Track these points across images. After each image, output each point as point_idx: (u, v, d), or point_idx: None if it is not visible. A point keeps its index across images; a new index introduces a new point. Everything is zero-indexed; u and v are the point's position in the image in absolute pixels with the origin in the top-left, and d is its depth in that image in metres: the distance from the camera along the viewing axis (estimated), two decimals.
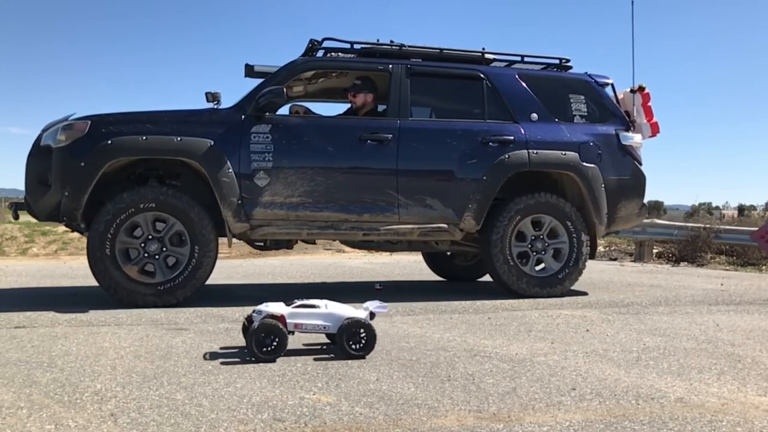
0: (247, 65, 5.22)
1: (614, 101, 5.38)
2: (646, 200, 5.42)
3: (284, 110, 5.00)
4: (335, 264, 8.80)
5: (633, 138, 5.25)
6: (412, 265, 8.68)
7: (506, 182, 4.87)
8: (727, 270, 8.89)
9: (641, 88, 5.39)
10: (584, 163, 4.99)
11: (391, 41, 5.07)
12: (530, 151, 4.89)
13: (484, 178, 4.79)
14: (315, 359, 2.84)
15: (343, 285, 6.11)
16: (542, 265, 5.07)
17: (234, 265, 8.63)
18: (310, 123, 4.79)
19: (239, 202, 4.41)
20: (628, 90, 5.45)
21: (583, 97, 5.24)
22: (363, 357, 2.84)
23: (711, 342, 3.39)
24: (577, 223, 5.00)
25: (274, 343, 2.76)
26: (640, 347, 3.22)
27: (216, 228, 4.44)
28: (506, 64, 5.41)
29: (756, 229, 9.73)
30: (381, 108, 5.13)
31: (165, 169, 4.58)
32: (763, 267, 9.27)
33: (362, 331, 2.87)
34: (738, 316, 4.36)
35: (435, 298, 4.92)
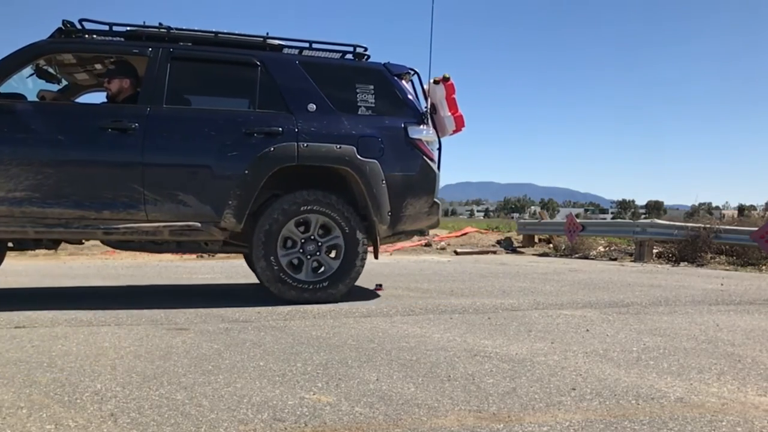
0: None
1: (408, 93, 4.94)
2: (435, 198, 4.88)
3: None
4: None
5: (423, 132, 4.83)
6: (412, 266, 8.69)
7: (279, 178, 4.53)
8: (727, 270, 8.89)
9: (445, 79, 5.07)
10: (362, 158, 4.58)
11: (160, 23, 4.72)
12: (300, 143, 4.49)
13: (246, 172, 4.39)
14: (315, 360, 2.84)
15: None
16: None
17: (234, 265, 8.64)
18: (39, 109, 4.40)
19: None
20: (432, 81, 5.09)
21: (372, 87, 4.82)
22: None
23: (711, 342, 3.39)
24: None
25: None
26: (640, 347, 3.22)
27: None
28: (299, 51, 4.99)
29: (756, 229, 9.75)
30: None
31: None
32: (763, 267, 9.27)
33: None
34: (738, 316, 4.36)
35: (435, 298, 4.92)
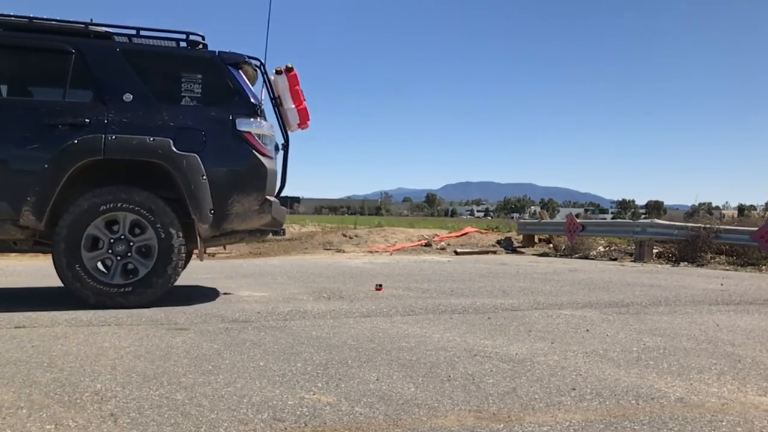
0: None
1: (242, 83, 4.63)
2: (292, 195, 4.72)
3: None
4: (335, 264, 8.81)
5: (254, 125, 4.51)
6: (412, 266, 8.69)
7: (96, 174, 4.28)
8: (727, 270, 8.89)
9: (288, 69, 4.87)
10: (178, 151, 4.27)
11: None
12: (108, 135, 4.19)
13: (46, 166, 4.12)
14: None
15: (343, 285, 6.11)
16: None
17: (234, 264, 8.63)
18: None
19: None
20: (274, 71, 4.89)
21: (200, 76, 4.53)
22: None
23: (711, 342, 3.39)
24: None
25: None
26: (640, 347, 3.22)
27: None
28: (129, 39, 4.67)
29: (756, 229, 9.75)
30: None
31: None
32: (763, 267, 9.27)
33: None
34: (738, 316, 4.36)
35: (435, 298, 4.92)
